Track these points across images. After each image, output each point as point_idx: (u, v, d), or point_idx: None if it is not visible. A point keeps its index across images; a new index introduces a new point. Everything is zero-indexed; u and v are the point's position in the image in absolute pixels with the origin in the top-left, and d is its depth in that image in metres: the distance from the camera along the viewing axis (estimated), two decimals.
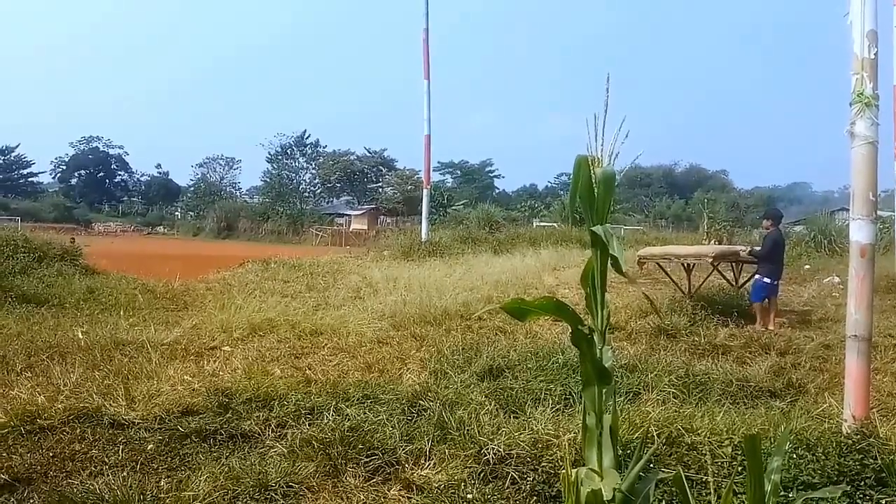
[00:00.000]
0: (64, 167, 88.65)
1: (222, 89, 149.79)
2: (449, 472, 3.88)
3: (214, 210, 66.09)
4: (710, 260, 10.40)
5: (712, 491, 3.22)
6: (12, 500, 3.56)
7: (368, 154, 79.42)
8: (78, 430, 4.51)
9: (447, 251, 20.97)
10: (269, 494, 3.61)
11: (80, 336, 7.32)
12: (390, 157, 79.63)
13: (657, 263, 11.89)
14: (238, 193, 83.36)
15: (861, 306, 4.26)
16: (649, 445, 3.88)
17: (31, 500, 3.57)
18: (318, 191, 78.69)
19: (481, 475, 3.86)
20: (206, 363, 6.48)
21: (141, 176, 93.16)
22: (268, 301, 10.45)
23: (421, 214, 25.09)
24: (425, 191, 24.92)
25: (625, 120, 2.57)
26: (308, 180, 77.88)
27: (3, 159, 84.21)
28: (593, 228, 2.54)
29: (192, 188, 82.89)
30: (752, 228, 34.11)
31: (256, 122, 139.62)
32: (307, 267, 16.59)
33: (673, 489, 3.28)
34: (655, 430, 4.23)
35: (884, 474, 3.54)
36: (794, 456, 3.70)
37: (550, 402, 5.12)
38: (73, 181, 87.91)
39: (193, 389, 5.47)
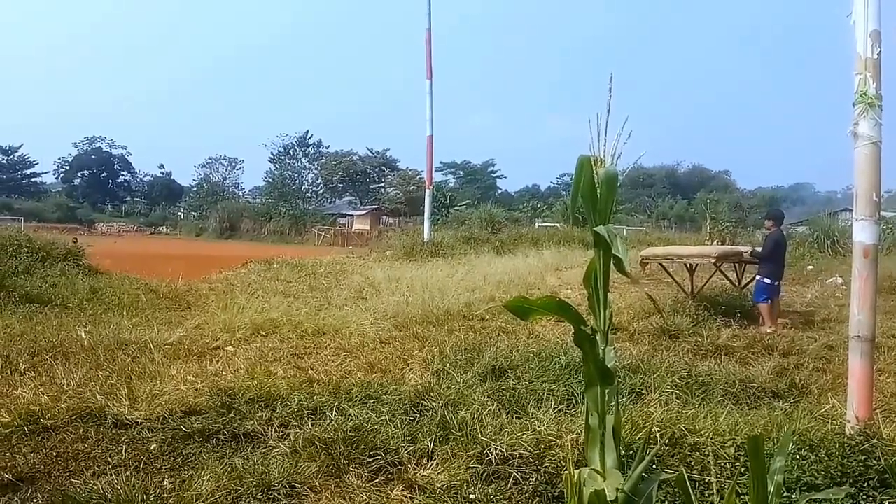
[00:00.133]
0: (67, 167, 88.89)
1: (225, 89, 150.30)
2: (451, 473, 3.88)
3: (217, 210, 66.19)
4: (713, 260, 10.40)
5: (715, 492, 3.22)
6: (16, 499, 3.57)
7: (371, 154, 79.49)
8: (81, 430, 4.52)
9: (449, 251, 20.97)
10: (271, 494, 3.61)
11: (84, 336, 7.34)
12: (393, 157, 79.80)
13: (660, 264, 11.89)
14: (241, 193, 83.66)
15: (864, 307, 4.26)
16: (652, 446, 3.87)
17: (35, 500, 3.57)
18: (321, 191, 78.78)
19: (484, 475, 3.86)
20: (208, 363, 6.48)
21: (144, 176, 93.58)
22: (270, 301, 10.46)
23: (423, 215, 25.10)
24: (428, 191, 24.95)
25: (627, 120, 2.57)
26: (310, 180, 78.06)
27: (7, 159, 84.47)
28: (596, 229, 2.54)
29: (194, 188, 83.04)
30: (754, 229, 34.03)
31: (259, 122, 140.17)
32: (310, 267, 16.61)
33: (676, 490, 3.28)
34: (658, 431, 4.23)
35: (887, 475, 3.53)
36: (798, 457, 3.69)
37: (553, 402, 5.12)
38: (77, 181, 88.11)
39: (196, 389, 5.47)
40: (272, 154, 76.31)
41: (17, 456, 4.09)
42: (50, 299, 10.01)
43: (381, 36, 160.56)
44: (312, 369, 6.47)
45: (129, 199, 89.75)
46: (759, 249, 10.16)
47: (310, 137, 77.47)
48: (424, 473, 3.91)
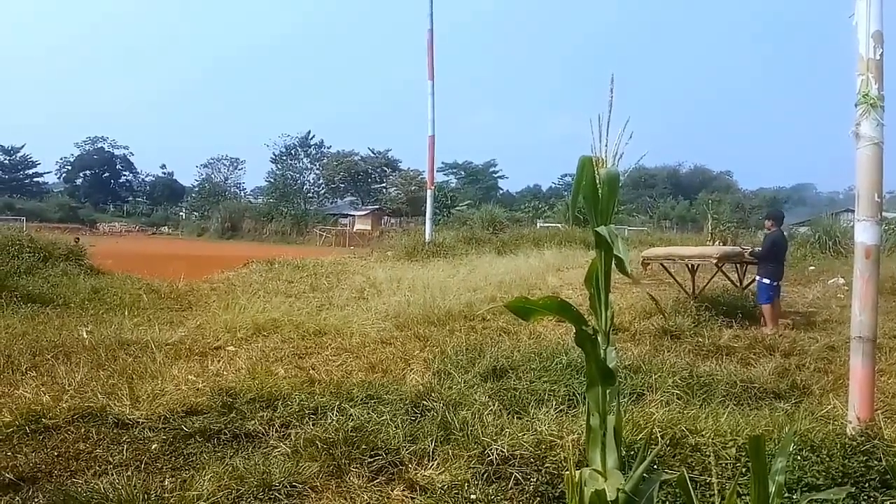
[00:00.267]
0: (69, 167, 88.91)
1: (226, 90, 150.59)
2: (452, 473, 3.88)
3: (219, 210, 66.20)
4: (715, 261, 10.39)
5: (716, 492, 3.21)
6: (17, 499, 3.58)
7: (372, 155, 79.47)
8: (82, 430, 4.52)
9: (451, 252, 20.97)
10: (272, 494, 3.62)
11: (85, 336, 7.35)
12: (394, 157, 79.73)
13: (661, 264, 11.88)
14: (242, 194, 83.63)
15: (866, 308, 4.25)
16: (653, 446, 3.87)
17: (36, 499, 3.58)
18: (322, 191, 78.75)
19: (485, 476, 3.85)
20: (210, 363, 6.48)
21: (146, 176, 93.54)
22: (272, 301, 10.47)
23: (425, 215, 25.12)
24: (429, 191, 24.96)
25: (629, 120, 2.57)
26: (312, 181, 78.00)
27: (9, 159, 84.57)
28: (598, 229, 2.54)
29: (196, 188, 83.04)
30: (756, 229, 33.99)
31: (261, 122, 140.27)
32: (311, 267, 16.63)
33: (677, 490, 3.28)
34: (659, 432, 4.23)
35: (888, 476, 3.52)
36: (799, 457, 3.69)
37: (554, 402, 5.11)
38: (79, 181, 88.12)
39: (197, 389, 5.48)
40: (274, 154, 76.35)
41: (19, 455, 4.10)
42: (52, 299, 10.03)
43: (383, 36, 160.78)
44: (314, 369, 6.47)
45: (130, 199, 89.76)
46: (759, 250, 10.14)
47: (311, 138, 77.49)
48: (425, 473, 3.91)
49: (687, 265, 11.18)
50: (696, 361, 6.95)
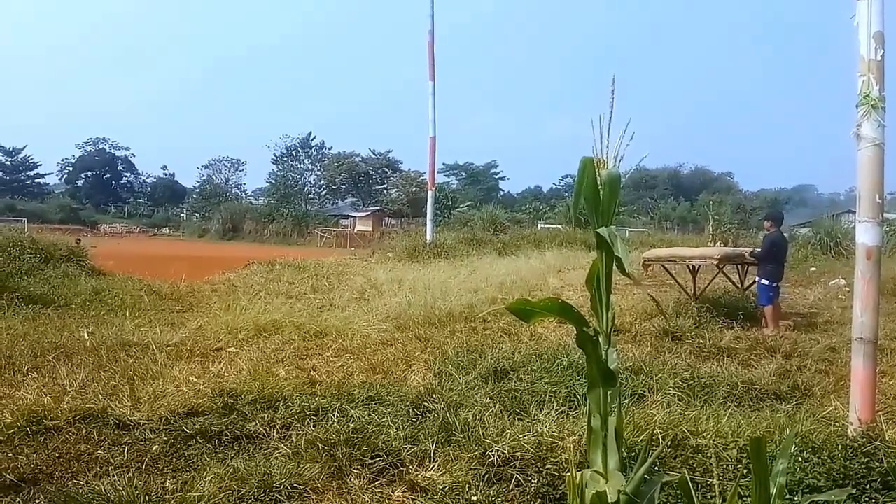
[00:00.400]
0: (70, 168, 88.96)
1: (227, 90, 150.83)
2: (453, 474, 3.88)
3: (220, 211, 66.17)
4: (716, 262, 10.39)
5: (717, 494, 3.22)
6: (18, 500, 3.58)
7: (373, 156, 79.49)
8: (83, 431, 4.52)
9: (452, 253, 20.96)
10: (273, 496, 3.62)
11: (86, 337, 7.35)
12: (395, 158, 79.76)
13: (662, 265, 11.89)
14: (243, 195, 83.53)
15: (867, 309, 4.25)
16: (654, 448, 3.87)
17: (37, 501, 3.58)
18: (323, 192, 78.75)
19: (486, 477, 3.85)
20: (211, 364, 6.49)
21: (147, 177, 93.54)
22: (273, 302, 10.48)
23: (426, 216, 25.13)
24: (430, 192, 24.97)
25: (630, 122, 2.57)
26: (313, 182, 77.97)
27: (10, 160, 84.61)
28: (598, 230, 2.54)
29: (197, 190, 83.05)
30: (757, 230, 33.95)
31: (261, 122, 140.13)
32: (312, 268, 16.64)
33: (678, 492, 3.28)
34: (660, 433, 4.22)
35: (889, 478, 3.52)
36: (800, 459, 3.69)
37: (555, 404, 5.12)
38: (80, 182, 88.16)
39: (199, 390, 5.48)
40: (275, 155, 76.26)
41: (20, 457, 4.10)
42: (53, 300, 10.04)
43: (382, 36, 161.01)
44: (314, 370, 6.48)
45: (132, 200, 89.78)
46: (758, 251, 10.13)
47: (312, 139, 77.46)
48: (426, 475, 3.91)
49: (688, 266, 11.18)
50: (698, 363, 6.94)
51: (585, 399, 3.71)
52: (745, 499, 3.14)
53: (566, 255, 19.03)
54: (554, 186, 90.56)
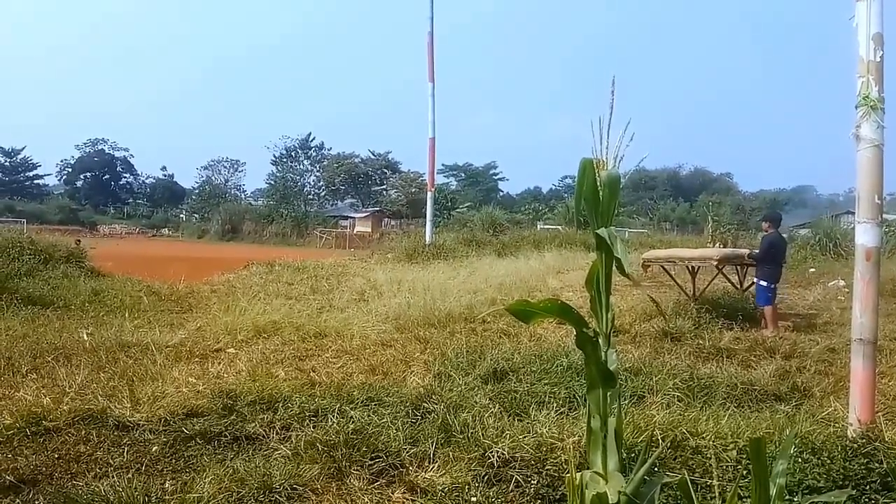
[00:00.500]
0: (70, 169, 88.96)
1: (227, 90, 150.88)
2: (453, 475, 3.88)
3: (219, 212, 66.25)
4: (715, 263, 10.39)
5: (717, 495, 3.22)
6: (18, 501, 3.57)
7: (373, 156, 79.55)
8: (83, 432, 4.52)
9: (451, 254, 20.96)
10: (273, 497, 3.61)
11: (86, 338, 7.34)
12: (394, 159, 79.84)
13: (662, 266, 11.89)
14: (242, 196, 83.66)
15: (866, 310, 4.25)
16: (654, 449, 3.87)
17: (37, 502, 3.57)
18: (323, 193, 78.80)
19: (485, 478, 3.85)
20: (210, 365, 6.49)
21: (146, 178, 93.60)
22: (272, 303, 10.48)
23: (425, 217, 25.13)
24: (429, 193, 24.97)
25: (630, 123, 2.57)
26: (312, 183, 78.06)
27: (10, 161, 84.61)
28: (598, 231, 2.54)
29: (196, 190, 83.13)
30: (756, 231, 33.98)
31: (261, 123, 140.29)
32: (311, 269, 16.64)
33: (678, 493, 3.28)
34: (660, 434, 4.22)
35: (889, 478, 3.52)
36: (800, 460, 3.69)
37: (555, 404, 5.12)
38: (79, 183, 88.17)
39: (198, 391, 5.48)
40: (274, 156, 76.38)
41: (19, 458, 4.09)
42: (52, 301, 10.03)
43: (382, 36, 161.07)
44: (314, 371, 6.47)
45: (131, 201, 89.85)
46: (757, 252, 10.12)
47: (312, 140, 77.53)
48: (426, 476, 3.91)
49: (687, 267, 11.18)
50: (697, 364, 6.94)
51: (585, 400, 3.71)
52: (744, 500, 3.14)
53: (565, 256, 19.04)
54: (553, 187, 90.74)
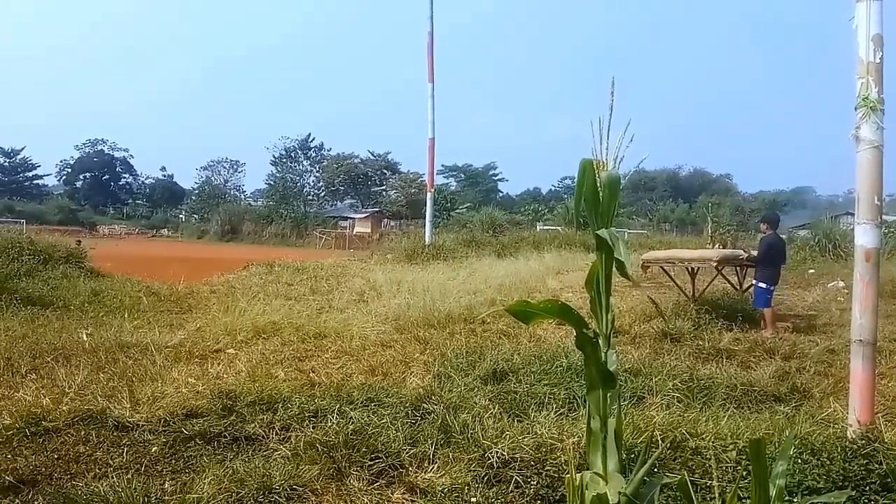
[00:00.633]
0: (69, 170, 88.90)
1: (227, 90, 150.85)
2: (453, 476, 3.87)
3: (219, 213, 66.22)
4: (715, 264, 10.39)
5: (717, 496, 3.22)
6: (17, 501, 3.57)
7: (372, 157, 79.56)
8: (82, 432, 4.52)
9: (451, 254, 20.97)
10: (272, 497, 3.61)
11: (85, 338, 7.34)
12: (394, 160, 79.85)
13: (661, 267, 11.89)
14: (242, 196, 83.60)
15: (866, 311, 4.25)
16: (654, 450, 3.88)
17: (36, 502, 3.57)
18: (322, 194, 78.80)
19: (485, 479, 3.85)
20: (210, 366, 6.48)
21: (146, 179, 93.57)
22: (272, 304, 10.47)
23: (425, 218, 25.13)
24: (429, 194, 24.97)
25: (630, 124, 2.58)
26: (312, 183, 78.04)
27: (9, 161, 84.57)
28: (599, 232, 2.55)
29: (196, 191, 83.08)
30: (756, 232, 33.98)
31: (261, 123, 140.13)
32: (311, 270, 16.63)
33: (677, 494, 3.28)
34: (660, 435, 4.23)
35: (889, 479, 3.53)
36: (799, 461, 3.69)
37: (554, 405, 5.11)
38: (79, 184, 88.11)
39: (197, 392, 5.47)
40: (274, 157, 76.37)
41: (19, 458, 4.09)
42: (51, 302, 10.03)
43: (382, 36, 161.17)
44: (314, 372, 6.47)
45: (130, 201, 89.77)
46: (755, 253, 10.12)
47: (311, 140, 77.52)
48: (425, 477, 3.91)
49: (687, 268, 11.18)
50: (697, 364, 6.95)
51: (585, 401, 3.71)
52: (744, 500, 3.14)
53: (565, 257, 19.05)
54: (553, 188, 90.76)
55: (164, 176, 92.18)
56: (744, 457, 3.85)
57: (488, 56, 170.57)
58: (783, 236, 11.99)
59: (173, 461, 4.13)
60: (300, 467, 3.93)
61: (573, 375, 5.89)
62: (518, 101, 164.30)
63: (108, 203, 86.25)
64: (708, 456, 3.86)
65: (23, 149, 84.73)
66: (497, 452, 4.07)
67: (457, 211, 58.70)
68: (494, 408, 5.08)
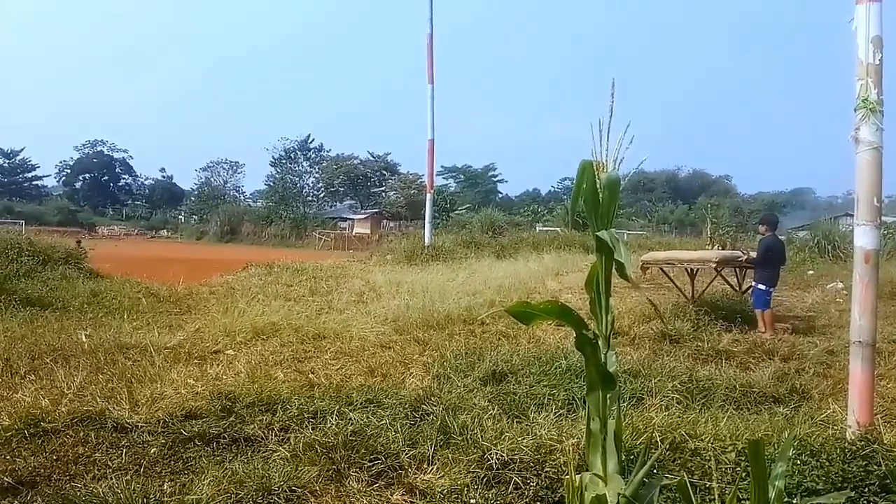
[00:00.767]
0: (68, 171, 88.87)
1: (227, 90, 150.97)
2: (452, 477, 3.87)
3: (218, 214, 66.19)
4: (714, 265, 10.39)
5: (716, 497, 3.22)
6: (16, 502, 3.57)
7: (372, 158, 79.56)
8: (81, 434, 4.51)
9: (450, 255, 20.97)
10: (272, 498, 3.61)
11: (84, 339, 7.34)
12: (394, 161, 79.87)
13: (661, 268, 11.89)
14: (241, 197, 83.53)
15: (865, 312, 4.26)
16: (653, 451, 3.88)
17: (35, 503, 3.57)
18: (322, 195, 78.77)
19: (484, 480, 3.85)
20: (209, 367, 6.48)
21: (145, 179, 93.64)
22: (271, 305, 10.46)
23: (424, 219, 25.11)
24: (429, 195, 24.95)
25: (629, 125, 2.58)
26: (311, 184, 78.03)
27: (8, 162, 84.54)
28: (598, 233, 2.55)
29: (195, 192, 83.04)
30: (755, 234, 33.97)
31: (260, 123, 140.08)
32: (310, 271, 16.62)
33: (677, 495, 3.28)
34: (659, 436, 4.23)
35: (888, 480, 3.53)
36: (798, 462, 3.69)
37: (554, 406, 5.11)
38: (78, 185, 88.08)
39: (197, 393, 5.47)
40: (273, 158, 76.33)
41: (18, 459, 4.09)
42: (51, 303, 10.02)
43: (382, 36, 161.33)
44: (313, 373, 6.47)
45: (130, 202, 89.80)
46: (754, 255, 10.12)
47: (311, 141, 77.53)
48: (425, 478, 3.91)
49: (686, 269, 11.19)
50: (696, 366, 6.95)
51: (584, 402, 3.71)
52: (743, 502, 3.14)
53: (564, 258, 19.05)
54: (552, 189, 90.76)
55: (164, 177, 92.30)
56: (743, 458, 3.85)
57: (488, 56, 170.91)
58: (782, 237, 11.99)
59: (172, 462, 4.13)
60: (299, 468, 3.93)
61: (572, 376, 5.89)
62: (518, 102, 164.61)
63: (108, 204, 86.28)
64: (707, 457, 3.86)
65: (22, 149, 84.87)
66: (496, 454, 4.07)
67: (456, 212, 58.73)
68: (494, 409, 5.08)
